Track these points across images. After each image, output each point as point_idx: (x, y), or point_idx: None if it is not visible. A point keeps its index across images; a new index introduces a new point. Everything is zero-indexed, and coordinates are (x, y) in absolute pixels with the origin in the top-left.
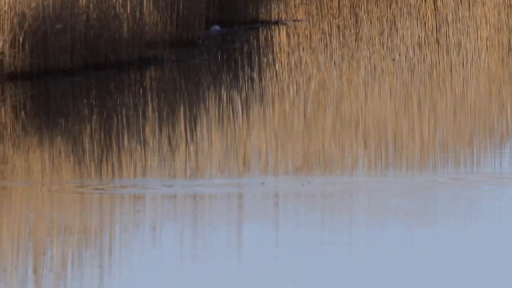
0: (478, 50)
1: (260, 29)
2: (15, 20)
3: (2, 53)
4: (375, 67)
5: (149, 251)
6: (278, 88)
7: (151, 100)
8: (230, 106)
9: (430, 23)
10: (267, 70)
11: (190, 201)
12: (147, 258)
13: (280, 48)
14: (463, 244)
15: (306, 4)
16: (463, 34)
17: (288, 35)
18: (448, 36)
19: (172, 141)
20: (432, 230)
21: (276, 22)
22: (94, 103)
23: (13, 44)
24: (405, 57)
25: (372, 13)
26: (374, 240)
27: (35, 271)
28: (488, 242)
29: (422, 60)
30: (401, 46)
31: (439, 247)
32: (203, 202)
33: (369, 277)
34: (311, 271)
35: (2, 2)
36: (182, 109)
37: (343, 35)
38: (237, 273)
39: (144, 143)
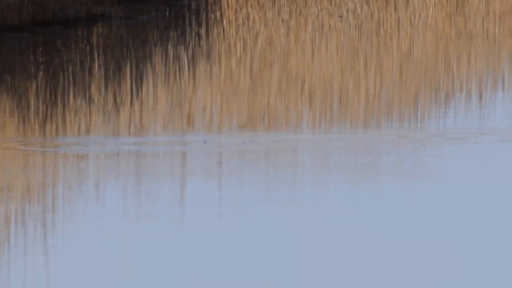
0: (426, 7)
1: None
2: None
3: None
4: (322, 24)
5: (93, 208)
6: (225, 45)
7: (98, 57)
8: (177, 63)
9: None
10: (215, 26)
11: (133, 158)
12: (91, 216)
13: (228, 5)
14: (405, 200)
15: None
16: None
17: None
18: None
19: (117, 98)
20: (375, 186)
21: None
22: (40, 60)
23: None
24: (353, 13)
25: None
26: (318, 197)
27: None
28: (431, 198)
29: (370, 17)
30: (349, 3)
31: (382, 204)
32: (147, 159)
33: (312, 234)
34: (254, 229)
35: None
36: (128, 66)
37: None
38: (180, 230)
39: (90, 100)
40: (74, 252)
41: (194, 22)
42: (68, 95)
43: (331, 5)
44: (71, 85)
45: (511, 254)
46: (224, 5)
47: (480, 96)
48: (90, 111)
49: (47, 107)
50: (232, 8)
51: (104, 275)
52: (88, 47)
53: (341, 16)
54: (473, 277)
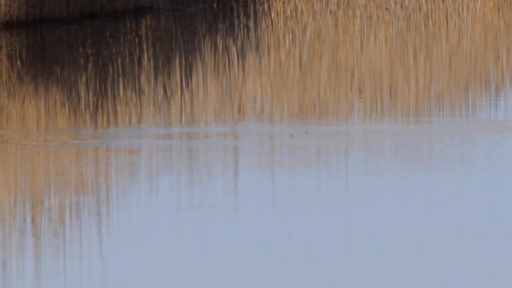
0: None
1: None
2: None
3: None
4: (370, 15)
5: (146, 199)
6: (274, 37)
7: (147, 49)
8: (226, 55)
9: None
10: (263, 18)
11: (185, 149)
12: (145, 207)
13: None
14: (459, 189)
15: None
16: None
17: None
18: None
19: (167, 89)
20: (428, 175)
21: None
22: (89, 52)
23: None
24: (401, 5)
25: None
26: (371, 187)
27: (33, 220)
28: (483, 186)
29: (418, 9)
30: None
31: (436, 192)
32: (199, 150)
33: (366, 224)
34: (307, 221)
35: None
36: (177, 57)
37: None
38: (233, 222)
39: (140, 91)
40: (128, 244)
41: (242, 14)
42: (118, 86)
43: None
44: (121, 77)
45: None
46: None
47: None
48: (140, 102)
49: (97, 99)
50: (280, 0)
51: (159, 267)
52: (136, 39)
53: (387, 9)
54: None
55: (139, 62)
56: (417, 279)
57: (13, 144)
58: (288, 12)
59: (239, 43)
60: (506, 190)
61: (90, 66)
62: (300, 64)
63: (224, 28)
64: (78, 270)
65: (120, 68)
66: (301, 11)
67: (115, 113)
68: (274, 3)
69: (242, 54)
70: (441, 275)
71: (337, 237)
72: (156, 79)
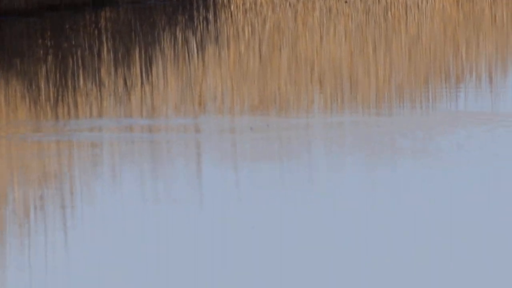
0: None
1: None
2: None
3: None
4: (330, 8)
5: (109, 192)
6: (233, 29)
7: (107, 41)
8: (185, 47)
9: None
10: (222, 11)
11: (146, 141)
12: (108, 199)
13: None
14: (419, 180)
15: None
16: None
17: None
18: None
19: (127, 81)
20: (389, 167)
21: None
22: (49, 44)
23: None
24: None
25: None
26: (333, 179)
27: None
28: (444, 177)
29: (377, 2)
30: None
31: (397, 183)
32: (160, 143)
33: (328, 215)
34: (270, 214)
35: None
36: (137, 50)
37: None
38: (195, 214)
39: (100, 83)
40: (91, 236)
41: (201, 7)
42: (78, 78)
43: None
44: (81, 69)
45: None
46: None
47: (490, 80)
48: (101, 95)
49: (57, 91)
50: None
51: (121, 258)
52: (96, 31)
53: (346, 2)
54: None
55: (99, 55)
56: (371, 269)
57: None
58: (248, 4)
59: (198, 35)
60: (465, 181)
61: (50, 58)
62: (260, 57)
63: (184, 20)
64: (42, 261)
65: (80, 60)
66: (261, 3)
67: (76, 105)
68: None
69: (201, 47)
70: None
71: (299, 229)
72: (116, 72)
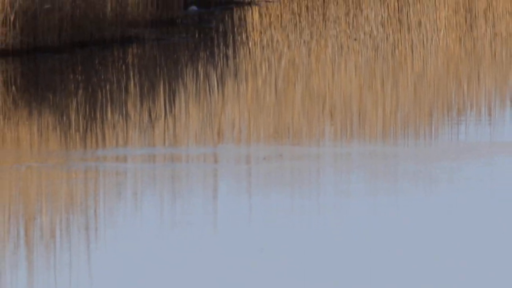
0: (437, 29)
1: (235, 9)
2: (6, 0)
3: None
4: (341, 45)
5: (132, 217)
6: (251, 65)
7: (133, 76)
8: (207, 82)
9: (392, 4)
10: (241, 48)
11: (168, 170)
12: (130, 224)
13: (253, 27)
14: (424, 207)
15: None
16: (423, 15)
17: (260, 15)
18: (409, 16)
19: (152, 113)
20: (395, 195)
21: (249, 3)
22: (79, 78)
23: (4, 22)
24: (369, 36)
25: None
26: (341, 206)
27: (26, 235)
28: (447, 206)
29: (385, 39)
30: (366, 26)
31: (401, 211)
32: (181, 171)
33: (337, 243)
34: (281, 238)
35: None
36: (161, 84)
37: (312, 15)
38: (209, 238)
39: (126, 115)
40: (114, 259)
41: (222, 44)
42: (106, 111)
43: (349, 27)
44: (109, 102)
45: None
46: (250, 27)
47: (490, 112)
48: (127, 126)
49: (86, 122)
50: (257, 30)
51: (143, 279)
52: (123, 67)
53: (356, 39)
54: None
55: (126, 89)
56: None
57: (7, 165)
58: (265, 41)
59: (219, 70)
60: (467, 209)
61: (80, 92)
62: (276, 91)
63: (205, 56)
64: (67, 280)
65: (108, 94)
66: (277, 41)
67: (103, 135)
68: (251, 33)
69: (221, 81)
70: None
71: (309, 254)
72: (141, 104)
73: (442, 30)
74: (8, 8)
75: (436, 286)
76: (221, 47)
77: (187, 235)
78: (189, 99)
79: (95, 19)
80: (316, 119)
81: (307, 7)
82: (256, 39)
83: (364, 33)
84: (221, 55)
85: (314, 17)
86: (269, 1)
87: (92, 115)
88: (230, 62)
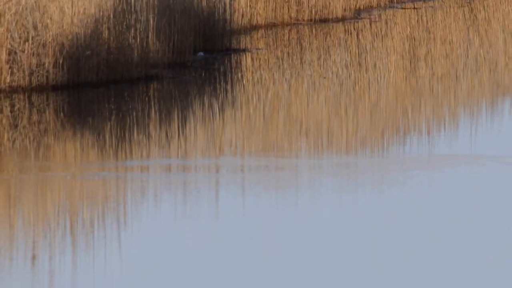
0: (388, 70)
1: (233, 55)
2: (56, 48)
3: (48, 71)
4: (314, 82)
5: (153, 212)
6: (245, 97)
7: (154, 105)
8: (210, 109)
9: (354, 50)
10: (237, 84)
11: (180, 176)
12: (152, 217)
13: (246, 68)
14: (377, 205)
15: (265, 37)
16: (377, 59)
17: (252, 59)
18: (367, 60)
19: (168, 133)
20: (355, 195)
21: (244, 50)
22: (112, 107)
23: (55, 65)
24: (336, 75)
25: (313, 44)
26: (317, 204)
27: (71, 230)
28: (395, 202)
29: (348, 77)
30: (333, 67)
31: (360, 208)
32: (190, 176)
33: (314, 238)
34: (268, 229)
35: (48, 35)
36: (175, 111)
37: (292, 59)
38: (212, 229)
39: (148, 135)
40: (139, 247)
41: (222, 81)
42: (133, 132)
43: (320, 68)
44: (135, 125)
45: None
46: (244, 69)
47: (428, 133)
48: (149, 143)
49: (118, 141)
50: (249, 71)
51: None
52: (146, 98)
53: (324, 78)
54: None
55: (148, 115)
56: None
57: (56, 173)
58: (255, 79)
59: (220, 101)
60: (412, 207)
61: (112, 117)
62: (264, 116)
63: (209, 90)
64: (103, 263)
65: (134, 119)
66: (265, 78)
67: (130, 151)
68: (245, 73)
69: (222, 109)
70: None
71: (302, 253)
72: (160, 126)
73: (392, 71)
74: (58, 54)
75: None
76: (222, 83)
77: (195, 226)
78: (197, 122)
79: (125, 62)
80: (295, 138)
81: (288, 53)
82: (248, 77)
83: (332, 73)
84: (222, 89)
85: (294, 60)
86: (259, 49)
87: (122, 135)
88: (229, 94)
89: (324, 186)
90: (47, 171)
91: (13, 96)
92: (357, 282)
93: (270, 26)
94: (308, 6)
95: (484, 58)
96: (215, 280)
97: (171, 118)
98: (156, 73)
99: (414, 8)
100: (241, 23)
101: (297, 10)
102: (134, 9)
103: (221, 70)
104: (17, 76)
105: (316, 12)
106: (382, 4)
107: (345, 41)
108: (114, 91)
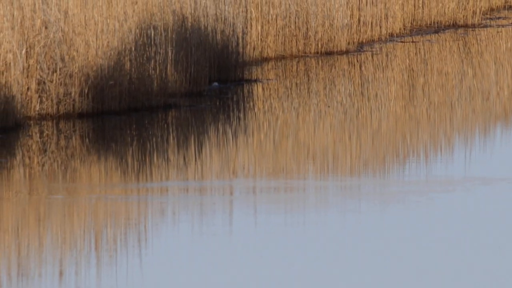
0: (388, 99)
1: (245, 85)
2: (82, 79)
3: (74, 100)
4: (320, 110)
5: (173, 232)
6: (256, 124)
7: (172, 131)
8: (225, 135)
9: (357, 81)
10: (249, 112)
11: (197, 197)
12: (170, 234)
13: (257, 98)
14: (379, 221)
15: (275, 68)
16: (378, 89)
17: (263, 89)
18: (369, 90)
19: (186, 157)
20: (358, 214)
21: (255, 80)
22: (134, 133)
23: (81, 94)
24: (340, 104)
25: (319, 75)
26: (325, 222)
27: (96, 247)
28: (396, 219)
29: (352, 106)
30: (338, 96)
31: (362, 225)
32: (206, 197)
33: (318, 250)
34: (278, 244)
35: (74, 67)
36: (192, 137)
37: (300, 89)
38: (227, 245)
39: (167, 159)
40: (159, 261)
41: (235, 109)
42: (153, 156)
43: (326, 98)
44: (155, 150)
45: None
46: (255, 98)
47: (426, 157)
48: (168, 167)
49: (139, 165)
50: (260, 100)
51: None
52: (165, 125)
53: (329, 106)
54: None
55: (167, 140)
56: None
57: (82, 194)
58: (266, 107)
59: (233, 127)
60: (412, 226)
61: (134, 143)
62: (274, 142)
63: (223, 118)
64: (124, 275)
65: (154, 144)
66: (274, 107)
67: (151, 173)
68: (256, 102)
69: (235, 135)
70: None
71: (297, 258)
72: (178, 151)
73: (392, 100)
74: (84, 84)
75: None
76: (235, 111)
77: (210, 243)
78: (212, 147)
79: (145, 91)
80: (302, 161)
81: (296, 84)
82: (260, 106)
83: (337, 102)
84: (235, 117)
85: (301, 90)
86: (269, 80)
87: (143, 159)
88: (241, 122)
89: (329, 206)
90: (73, 193)
91: (42, 123)
92: None
93: (280, 58)
94: (314, 39)
95: (477, 88)
96: None
97: (188, 144)
98: (174, 102)
99: (413, 41)
100: (253, 55)
101: (304, 43)
102: (154, 42)
103: (234, 99)
104: (46, 105)
105: (322, 45)
106: (383, 38)
107: (349, 72)
108: (135, 119)
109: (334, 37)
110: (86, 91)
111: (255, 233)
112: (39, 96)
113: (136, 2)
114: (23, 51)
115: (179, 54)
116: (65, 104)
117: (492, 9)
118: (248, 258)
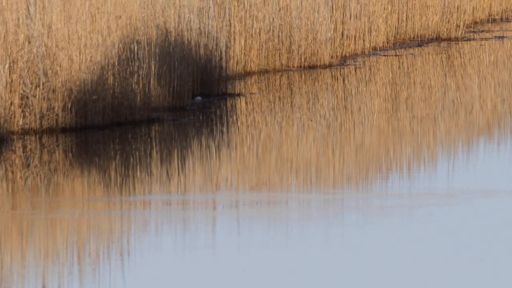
0: (372, 113)
1: (228, 99)
2: (65, 93)
3: (57, 114)
4: (303, 124)
5: (156, 244)
6: (239, 138)
7: (155, 146)
8: (208, 149)
9: (340, 95)
10: (232, 126)
11: (180, 210)
12: (153, 247)
13: (241, 112)
14: (366, 235)
15: (258, 82)
16: (361, 102)
17: (246, 103)
18: (352, 104)
19: (168, 171)
20: (341, 227)
21: (239, 94)
22: (117, 147)
23: (64, 108)
24: (323, 117)
25: (302, 89)
26: (308, 235)
27: (79, 260)
28: (376, 231)
29: (335, 119)
30: (321, 110)
31: (346, 239)
32: (189, 211)
33: (300, 260)
34: (261, 258)
35: (58, 81)
36: (175, 151)
37: (282, 103)
38: (210, 258)
39: (150, 172)
40: (142, 274)
41: (218, 123)
42: (136, 170)
43: (309, 112)
44: (138, 164)
45: None
46: (238, 112)
47: (409, 170)
48: (151, 181)
49: (122, 179)
50: (243, 114)
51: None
52: (148, 139)
53: (311, 120)
54: None
55: (150, 154)
56: None
57: (65, 208)
58: (249, 121)
59: (216, 141)
60: (392, 237)
61: (117, 157)
62: (257, 155)
63: (207, 132)
64: None
65: (137, 158)
66: (257, 121)
67: (134, 187)
68: (240, 116)
69: (218, 149)
70: None
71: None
72: (161, 165)
73: (375, 113)
74: (67, 99)
75: None
76: (218, 125)
77: (193, 256)
78: (195, 161)
79: (128, 106)
80: (285, 175)
81: (279, 97)
82: (243, 120)
83: (320, 116)
84: (218, 131)
85: (284, 104)
86: (253, 94)
87: (126, 173)
88: (225, 135)
89: (312, 219)
90: (56, 207)
91: (25, 138)
92: None
93: (263, 72)
94: (297, 53)
95: (460, 101)
96: None
97: (171, 157)
98: (157, 116)
99: (396, 55)
100: (236, 70)
101: (287, 57)
102: (137, 57)
103: (218, 113)
104: (29, 119)
105: (305, 59)
106: (366, 51)
107: (332, 86)
108: (119, 133)
109: (317, 50)
110: (69, 105)
111: (238, 247)
112: (22, 111)
113: (120, 17)
114: (6, 66)
115: (162, 69)
116: (48, 119)
117: (475, 22)
118: (231, 271)
